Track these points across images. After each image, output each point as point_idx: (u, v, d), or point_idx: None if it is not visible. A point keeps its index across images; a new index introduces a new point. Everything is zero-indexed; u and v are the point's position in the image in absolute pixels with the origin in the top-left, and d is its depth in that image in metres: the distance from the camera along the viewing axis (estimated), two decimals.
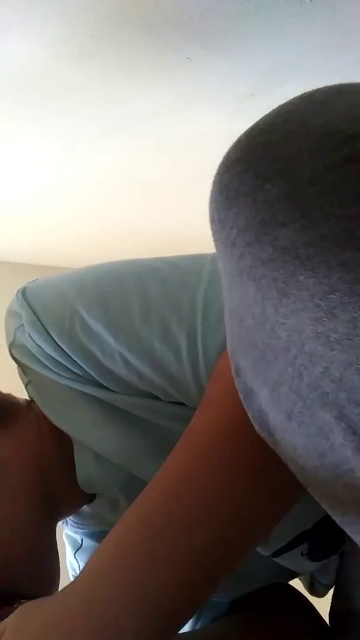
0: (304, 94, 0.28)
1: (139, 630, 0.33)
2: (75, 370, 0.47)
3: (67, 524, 0.61)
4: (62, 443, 0.53)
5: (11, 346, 0.52)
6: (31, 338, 0.48)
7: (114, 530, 0.36)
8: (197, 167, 1.31)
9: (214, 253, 0.35)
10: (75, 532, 0.61)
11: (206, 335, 0.42)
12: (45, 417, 0.52)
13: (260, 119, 0.29)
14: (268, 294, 0.26)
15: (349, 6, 0.81)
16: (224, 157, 0.29)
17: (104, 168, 1.33)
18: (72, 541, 0.62)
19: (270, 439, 0.30)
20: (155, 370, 0.44)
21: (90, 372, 0.46)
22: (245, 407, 0.31)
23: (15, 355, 0.52)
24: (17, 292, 0.51)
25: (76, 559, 0.63)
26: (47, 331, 0.46)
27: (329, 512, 0.30)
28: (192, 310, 0.42)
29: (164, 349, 0.43)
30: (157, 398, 0.47)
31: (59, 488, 0.53)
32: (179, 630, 0.36)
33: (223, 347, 0.40)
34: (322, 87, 0.28)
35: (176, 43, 0.87)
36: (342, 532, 0.55)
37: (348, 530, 0.30)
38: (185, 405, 0.46)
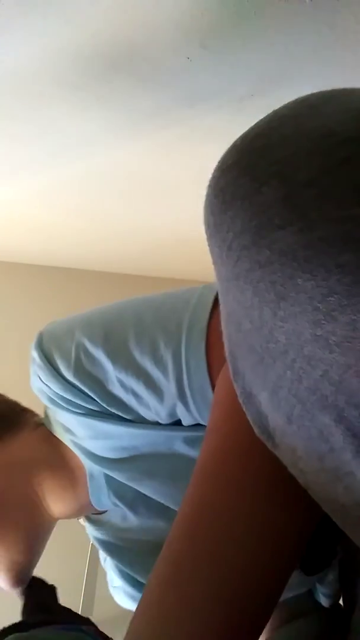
0: (299, 98, 0.28)
1: None
2: (84, 404, 0.51)
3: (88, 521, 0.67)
4: (68, 463, 0.59)
5: (31, 387, 0.57)
6: (40, 379, 0.53)
7: (149, 579, 0.35)
8: (197, 167, 1.31)
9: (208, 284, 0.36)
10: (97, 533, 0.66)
11: (188, 353, 0.45)
12: (54, 437, 0.59)
13: (256, 124, 0.29)
14: (266, 297, 0.26)
15: (349, 6, 0.81)
16: (219, 162, 0.29)
17: (104, 168, 1.33)
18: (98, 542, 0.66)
19: (270, 442, 0.30)
20: (149, 389, 0.47)
21: (98, 400, 0.50)
22: (245, 410, 0.31)
23: (35, 394, 0.57)
24: (36, 334, 0.55)
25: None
26: (55, 369, 0.51)
27: (331, 515, 0.30)
28: (178, 332, 0.46)
29: (154, 368, 0.46)
30: (157, 423, 0.51)
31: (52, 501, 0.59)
32: None
33: (204, 364, 0.45)
34: (316, 92, 0.28)
35: (176, 43, 0.87)
36: (333, 545, 0.57)
37: (349, 534, 0.30)
38: (181, 425, 0.51)
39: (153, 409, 0.49)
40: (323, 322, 0.24)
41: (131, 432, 0.52)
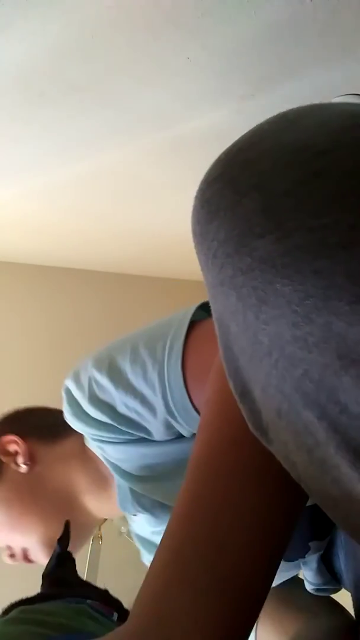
0: (279, 114, 0.30)
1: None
2: (106, 433, 0.61)
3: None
4: (102, 470, 0.69)
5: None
6: (68, 413, 0.63)
7: (153, 559, 0.38)
8: (196, 167, 1.31)
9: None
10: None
11: (169, 372, 0.53)
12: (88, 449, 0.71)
13: (239, 139, 0.31)
14: (248, 302, 0.27)
15: (349, 6, 0.81)
16: (205, 174, 0.31)
17: (104, 168, 1.33)
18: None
19: (264, 437, 0.32)
20: (145, 407, 0.56)
21: (112, 423, 0.58)
22: (240, 407, 0.32)
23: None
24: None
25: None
26: (76, 406, 0.61)
27: (323, 508, 0.31)
28: (162, 354, 0.54)
29: (146, 388, 0.55)
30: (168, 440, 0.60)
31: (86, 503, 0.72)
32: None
33: (182, 381, 0.52)
34: (295, 108, 0.30)
35: (176, 43, 0.87)
36: (311, 532, 0.65)
37: (340, 525, 0.32)
38: (182, 437, 0.59)
39: (152, 423, 0.57)
40: (301, 324, 0.26)
41: (142, 452, 0.62)
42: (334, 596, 0.74)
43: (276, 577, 0.67)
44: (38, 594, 0.60)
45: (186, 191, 1.52)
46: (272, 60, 0.93)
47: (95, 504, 0.73)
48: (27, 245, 1.95)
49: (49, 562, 0.65)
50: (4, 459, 0.73)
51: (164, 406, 0.54)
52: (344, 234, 0.25)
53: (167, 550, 0.37)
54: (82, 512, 0.73)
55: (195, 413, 0.53)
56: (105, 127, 1.13)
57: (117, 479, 0.66)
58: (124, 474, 0.64)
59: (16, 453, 0.72)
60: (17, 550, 0.74)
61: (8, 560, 0.75)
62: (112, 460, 0.65)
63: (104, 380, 0.57)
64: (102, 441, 0.63)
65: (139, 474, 0.64)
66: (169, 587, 0.35)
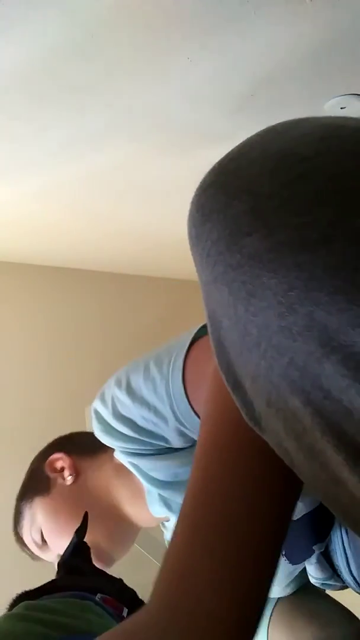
0: (269, 126, 0.34)
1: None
2: (131, 445, 0.68)
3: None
4: (134, 479, 0.75)
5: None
6: (99, 430, 0.70)
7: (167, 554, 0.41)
8: (196, 168, 1.31)
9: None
10: None
11: (173, 385, 0.59)
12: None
13: (231, 149, 0.34)
14: (238, 295, 0.30)
15: (348, 6, 0.81)
16: (200, 182, 0.34)
17: (104, 168, 1.33)
18: None
19: (257, 427, 0.34)
20: (158, 417, 0.62)
21: (134, 435, 0.66)
22: (234, 399, 0.34)
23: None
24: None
25: None
26: (104, 421, 0.68)
27: (315, 494, 0.33)
28: (167, 369, 0.61)
29: (157, 401, 0.62)
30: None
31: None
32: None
33: (183, 391, 0.58)
34: (283, 121, 0.34)
35: (176, 43, 0.87)
36: (315, 536, 0.68)
37: (331, 509, 0.33)
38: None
39: (167, 432, 0.64)
40: (286, 314, 0.28)
41: (166, 463, 0.68)
42: (338, 597, 0.75)
43: (284, 575, 0.69)
44: (45, 585, 0.61)
45: (186, 191, 1.51)
46: (271, 60, 0.93)
47: (134, 511, 0.80)
48: (26, 245, 1.95)
49: (65, 551, 0.69)
50: (51, 475, 0.83)
51: (172, 415, 0.61)
52: (323, 230, 0.27)
53: (183, 533, 0.39)
54: (123, 518, 0.81)
55: (197, 418, 0.58)
56: (105, 127, 1.13)
57: (146, 485, 0.73)
58: (152, 480, 0.72)
59: (62, 469, 0.83)
60: None
61: None
62: (141, 469, 0.72)
63: (124, 397, 0.64)
64: (130, 453, 0.70)
65: (166, 479, 0.71)
66: (188, 563, 0.37)
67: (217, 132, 1.16)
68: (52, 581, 0.63)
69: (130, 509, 0.81)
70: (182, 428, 0.62)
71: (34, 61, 0.91)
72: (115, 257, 2.17)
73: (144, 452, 0.70)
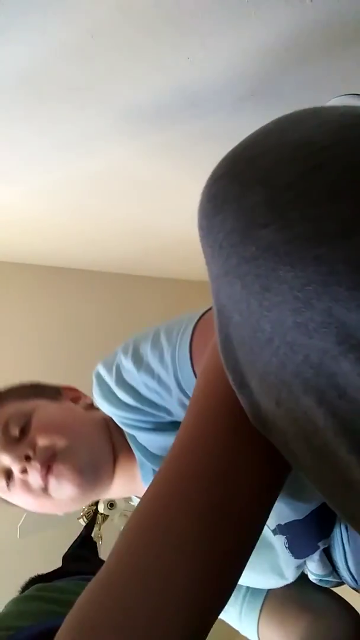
0: (284, 115, 0.32)
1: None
2: (131, 415, 0.66)
3: None
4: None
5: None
6: (98, 395, 0.68)
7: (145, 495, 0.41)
8: (196, 167, 1.31)
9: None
10: None
11: (180, 353, 0.58)
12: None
13: (245, 138, 0.32)
14: (252, 289, 0.28)
15: (349, 6, 0.81)
16: (212, 172, 0.32)
17: (104, 168, 1.33)
18: None
19: (263, 427, 0.33)
20: (161, 385, 0.61)
21: (135, 404, 0.64)
22: (239, 399, 0.34)
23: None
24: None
25: None
26: (106, 386, 0.67)
27: (321, 494, 0.32)
28: (176, 338, 0.60)
29: (161, 369, 0.60)
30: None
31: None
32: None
33: (188, 359, 0.57)
34: (299, 109, 0.32)
35: (176, 43, 0.87)
36: (318, 534, 0.68)
37: (338, 512, 0.33)
38: None
39: (169, 402, 0.62)
40: (302, 309, 0.27)
41: (166, 438, 0.66)
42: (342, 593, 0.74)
43: (286, 571, 0.68)
44: (55, 570, 0.64)
45: (186, 191, 1.52)
46: (271, 60, 0.93)
47: (123, 473, 0.75)
48: (26, 245, 1.95)
49: (72, 544, 0.69)
50: (64, 393, 0.79)
51: (176, 385, 0.60)
52: (343, 223, 0.26)
53: (165, 482, 0.39)
54: (112, 471, 0.75)
55: None
56: (105, 127, 1.13)
57: (139, 458, 0.70)
58: (147, 454, 0.70)
59: (77, 399, 0.79)
60: (53, 450, 0.69)
61: (22, 465, 0.69)
62: (138, 441, 0.70)
63: (129, 364, 0.63)
64: (128, 425, 0.68)
65: (162, 454, 0.68)
66: (166, 512, 0.37)
67: (217, 132, 1.16)
68: (62, 566, 0.65)
69: (122, 469, 0.75)
70: (184, 399, 0.61)
71: (34, 61, 0.91)
72: (115, 257, 2.17)
73: (143, 425, 0.68)
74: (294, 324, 0.27)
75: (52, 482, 0.67)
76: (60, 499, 0.69)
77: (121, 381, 0.64)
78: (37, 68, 0.92)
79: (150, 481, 0.66)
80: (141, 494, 0.75)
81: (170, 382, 0.60)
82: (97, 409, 0.74)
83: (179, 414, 0.64)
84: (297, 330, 0.27)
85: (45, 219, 1.70)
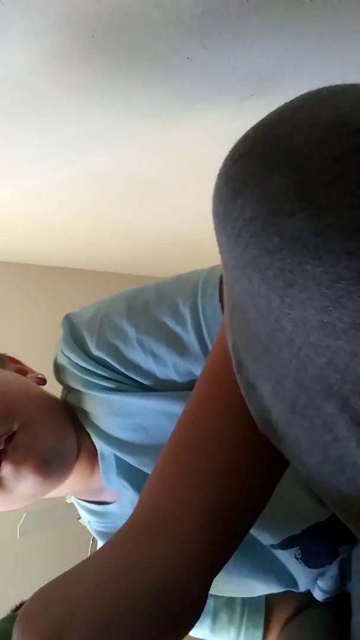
0: (311, 91, 0.28)
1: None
2: (101, 372, 0.57)
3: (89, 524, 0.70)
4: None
5: (53, 366, 0.64)
6: (62, 352, 0.60)
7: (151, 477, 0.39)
8: (196, 167, 1.31)
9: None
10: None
11: (205, 304, 0.51)
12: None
13: (268, 115, 0.28)
14: (274, 284, 0.26)
15: (349, 6, 0.81)
16: (230, 151, 0.29)
17: (104, 168, 1.33)
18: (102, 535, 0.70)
19: (273, 435, 0.31)
20: (169, 345, 0.53)
21: (117, 367, 0.56)
22: (247, 403, 0.32)
23: (55, 373, 0.64)
24: (64, 316, 0.62)
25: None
26: (79, 342, 0.58)
27: (333, 509, 0.31)
28: (194, 290, 0.53)
29: (175, 325, 0.53)
30: (172, 388, 0.56)
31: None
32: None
33: (219, 310, 0.50)
34: (328, 86, 0.28)
35: (176, 43, 0.87)
36: (335, 543, 0.60)
37: (351, 527, 0.31)
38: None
39: (172, 366, 0.54)
40: (330, 308, 0.24)
41: (143, 404, 0.56)
42: None
43: (297, 578, 0.63)
44: None
45: (186, 191, 1.52)
46: (271, 60, 0.93)
47: (81, 465, 0.63)
48: (26, 245, 1.95)
49: None
50: (9, 363, 0.68)
51: (197, 341, 0.52)
52: None
53: (167, 460, 0.38)
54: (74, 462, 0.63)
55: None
56: (104, 127, 1.13)
57: (100, 448, 0.60)
58: (111, 439, 0.58)
59: (24, 371, 0.68)
60: (7, 429, 0.55)
61: None
62: (99, 424, 0.59)
63: (121, 321, 0.55)
64: (87, 382, 0.58)
65: (130, 439, 0.57)
66: (166, 486, 0.36)
67: (217, 132, 1.16)
68: None
69: (77, 464, 0.62)
70: (200, 359, 0.52)
71: (34, 61, 0.91)
72: (115, 257, 2.17)
73: (105, 383, 0.57)
74: (319, 324, 0.25)
75: (8, 470, 0.54)
76: (17, 495, 0.56)
77: (104, 343, 0.55)
78: (37, 68, 0.92)
79: (111, 475, 0.60)
80: (90, 492, 0.65)
81: (188, 340, 0.52)
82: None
83: (176, 378, 0.55)
84: (323, 331, 0.25)
85: (45, 219, 1.70)
